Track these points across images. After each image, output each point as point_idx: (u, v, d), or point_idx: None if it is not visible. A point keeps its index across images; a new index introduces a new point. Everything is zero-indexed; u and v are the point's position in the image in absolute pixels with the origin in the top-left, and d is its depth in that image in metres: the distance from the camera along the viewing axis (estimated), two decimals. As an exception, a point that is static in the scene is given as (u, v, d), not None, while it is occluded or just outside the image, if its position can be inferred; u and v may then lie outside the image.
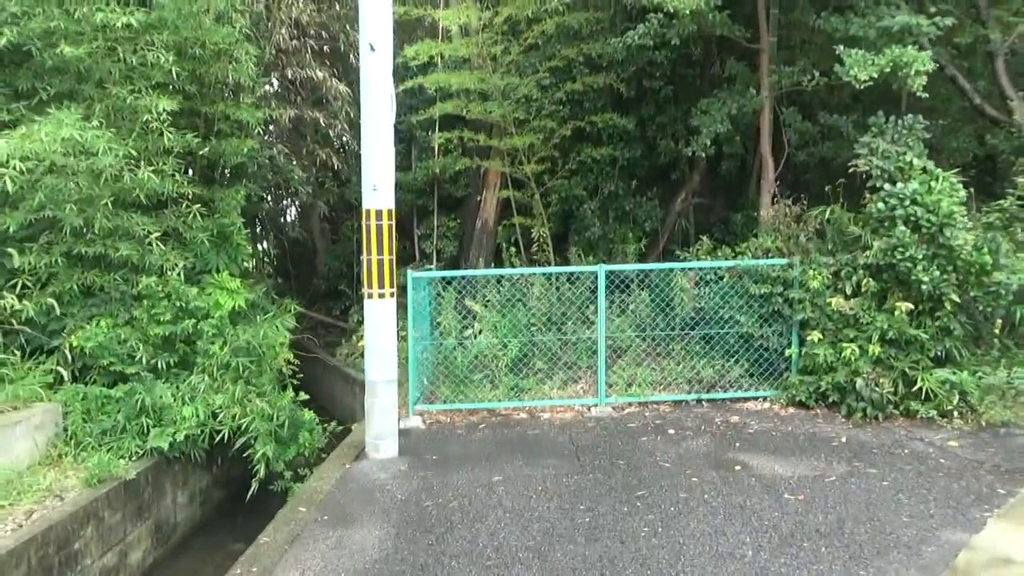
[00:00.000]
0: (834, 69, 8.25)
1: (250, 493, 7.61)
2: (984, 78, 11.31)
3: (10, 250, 7.56)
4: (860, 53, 7.99)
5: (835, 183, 9.04)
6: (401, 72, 12.08)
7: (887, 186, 8.16)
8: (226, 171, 11.03)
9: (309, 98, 14.17)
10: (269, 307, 9.74)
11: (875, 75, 7.86)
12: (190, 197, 8.78)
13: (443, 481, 6.42)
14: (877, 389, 7.86)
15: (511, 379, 9.06)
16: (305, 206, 17.95)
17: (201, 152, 9.05)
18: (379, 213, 6.80)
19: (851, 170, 8.62)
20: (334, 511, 5.86)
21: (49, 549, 5.74)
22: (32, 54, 8.17)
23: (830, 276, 8.43)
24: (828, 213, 8.83)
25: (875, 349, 7.90)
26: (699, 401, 8.76)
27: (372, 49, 6.60)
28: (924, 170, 8.23)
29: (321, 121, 13.33)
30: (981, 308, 8.05)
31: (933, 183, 8.00)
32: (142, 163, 8.01)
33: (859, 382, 7.88)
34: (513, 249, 12.25)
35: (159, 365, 7.88)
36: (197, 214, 8.82)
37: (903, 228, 7.83)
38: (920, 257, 7.75)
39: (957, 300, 7.80)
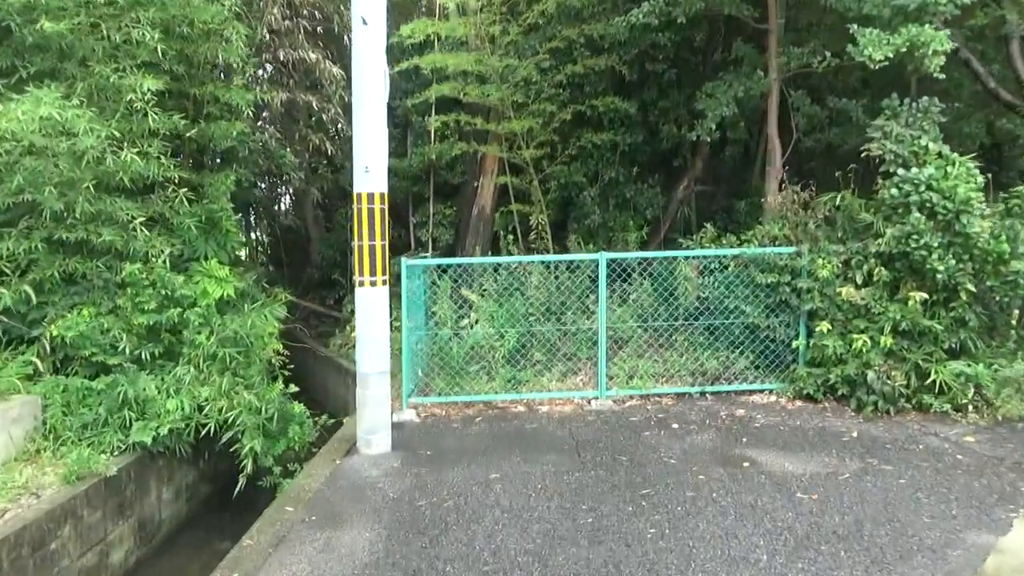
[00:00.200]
0: (847, 49, 7.90)
1: (237, 490, 7.31)
2: (997, 62, 10.98)
3: (-13, 236, 7.26)
4: (875, 32, 7.65)
5: (841, 169, 8.73)
6: (397, 54, 11.74)
7: (901, 171, 7.84)
8: (216, 155, 10.77)
9: (302, 81, 13.80)
10: (260, 296, 9.41)
11: (890, 55, 7.52)
12: (177, 181, 8.45)
13: (438, 478, 6.11)
14: (889, 382, 7.58)
15: (508, 371, 8.76)
16: (299, 193, 17.61)
17: (189, 135, 8.74)
18: (371, 196, 6.47)
19: (863, 155, 8.30)
20: (323, 511, 5.55)
21: (23, 550, 5.44)
22: (12, 30, 7.81)
23: (840, 265, 8.14)
24: (839, 199, 8.49)
25: (887, 340, 7.61)
26: (703, 394, 8.47)
27: (364, 23, 6.25)
28: (940, 155, 7.90)
29: (314, 105, 12.96)
30: (997, 298, 7.76)
31: (949, 168, 7.68)
32: (126, 145, 7.66)
33: (870, 375, 7.60)
34: (511, 237, 11.93)
35: (143, 356, 7.58)
36: (184, 199, 8.50)
37: (918, 215, 7.53)
38: (935, 245, 7.45)
39: (973, 290, 7.51)
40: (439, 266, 9.55)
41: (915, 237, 7.50)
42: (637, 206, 12.70)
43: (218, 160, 10.90)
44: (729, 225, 11.64)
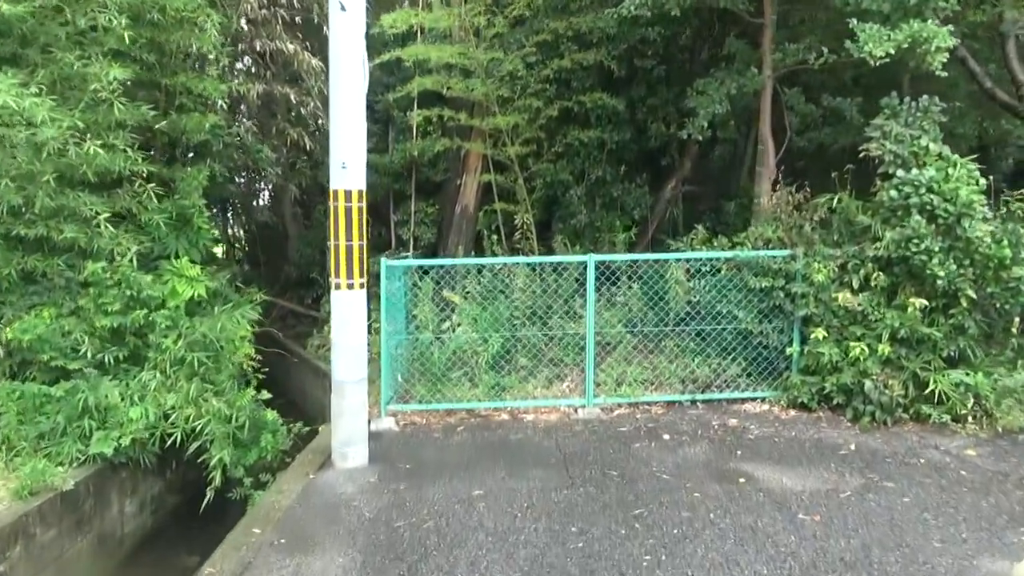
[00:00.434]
0: (846, 45, 7.61)
1: (205, 503, 6.90)
2: (993, 61, 10.75)
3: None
4: (875, 28, 7.36)
5: (833, 170, 8.45)
6: (378, 46, 11.36)
7: (900, 172, 7.56)
8: (189, 149, 10.34)
9: (281, 74, 13.36)
10: (234, 296, 9.01)
11: (892, 51, 7.23)
12: (145, 176, 8.05)
13: (417, 495, 5.74)
14: (887, 392, 7.31)
15: (492, 377, 8.41)
16: (277, 189, 17.13)
17: (158, 127, 8.34)
18: (348, 194, 6.09)
19: (861, 155, 8.01)
20: (292, 532, 5.16)
21: (-34, 573, 5.04)
22: (-33, 14, 7.36)
23: (836, 269, 7.84)
24: (835, 201, 8.21)
25: (885, 348, 7.34)
26: (694, 402, 8.17)
27: (343, 8, 5.85)
28: (940, 156, 7.64)
29: (293, 98, 12.49)
30: (997, 305, 7.49)
31: (951, 170, 7.42)
32: (89, 136, 7.24)
33: (868, 384, 7.33)
34: (495, 237, 11.57)
35: (106, 360, 7.17)
36: (153, 195, 8.10)
37: (919, 218, 7.25)
38: (936, 250, 7.18)
39: (973, 296, 7.25)
40: (420, 267, 9.17)
41: (915, 241, 7.23)
42: (624, 206, 12.37)
43: (191, 154, 10.47)
44: (717, 226, 11.34)
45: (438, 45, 10.94)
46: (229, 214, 19.24)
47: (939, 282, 7.20)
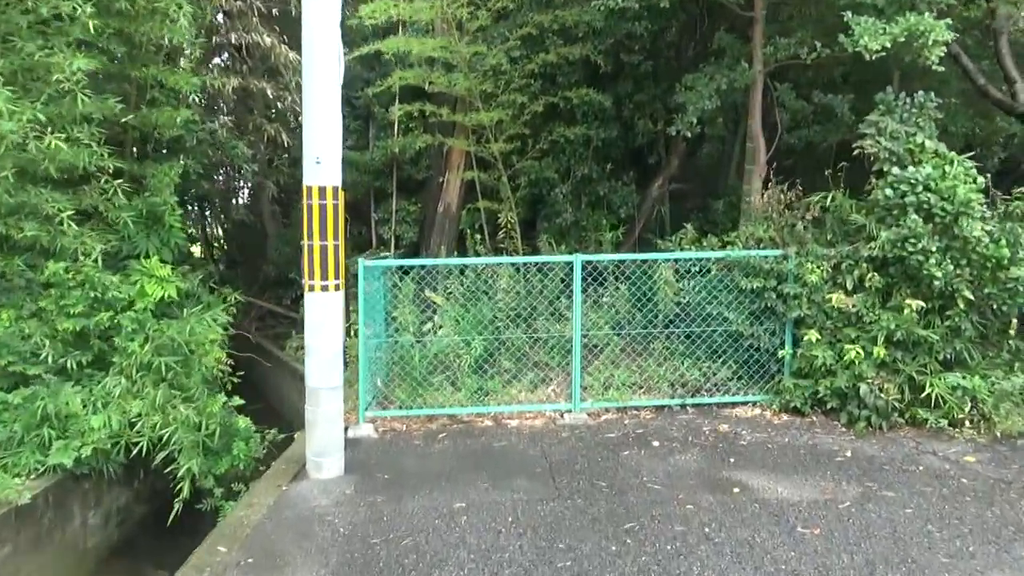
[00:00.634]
0: (840, 40, 7.37)
1: (173, 515, 6.57)
2: (985, 58, 10.57)
3: None
4: (871, 21, 7.14)
5: (822, 167, 8.23)
6: (357, 39, 11.03)
7: (896, 170, 7.33)
8: (161, 145, 10.00)
9: (258, 68, 13.01)
10: (207, 297, 8.66)
11: (888, 45, 7.00)
12: (112, 172, 7.71)
13: (395, 509, 5.43)
14: (882, 396, 7.08)
15: (475, 380, 8.11)
16: (255, 187, 16.75)
17: (127, 120, 8.01)
18: (323, 191, 5.77)
19: (855, 152, 7.78)
20: (261, 550, 4.84)
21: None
22: (-81, -2, 6.99)
23: (829, 269, 7.61)
24: (828, 200, 7.97)
25: (880, 351, 7.11)
26: (683, 407, 7.91)
27: (315, -8, 5.56)
28: (936, 153, 7.42)
29: (270, 93, 12.18)
30: (995, 306, 7.28)
31: (947, 167, 7.20)
32: (50, 130, 6.88)
33: (863, 388, 7.10)
34: (478, 236, 11.26)
35: (68, 365, 6.83)
36: (121, 191, 7.76)
37: (915, 217, 7.02)
38: (933, 250, 6.96)
39: (971, 297, 7.04)
40: (400, 267, 8.86)
41: (912, 241, 7.00)
42: (611, 204, 12.09)
43: (163, 150, 10.14)
44: (705, 225, 11.08)
45: (419, 38, 10.62)
46: (207, 212, 18.82)
47: (936, 283, 6.99)
